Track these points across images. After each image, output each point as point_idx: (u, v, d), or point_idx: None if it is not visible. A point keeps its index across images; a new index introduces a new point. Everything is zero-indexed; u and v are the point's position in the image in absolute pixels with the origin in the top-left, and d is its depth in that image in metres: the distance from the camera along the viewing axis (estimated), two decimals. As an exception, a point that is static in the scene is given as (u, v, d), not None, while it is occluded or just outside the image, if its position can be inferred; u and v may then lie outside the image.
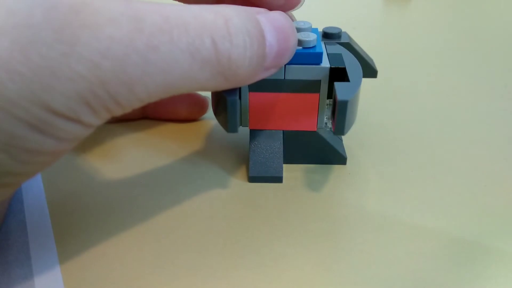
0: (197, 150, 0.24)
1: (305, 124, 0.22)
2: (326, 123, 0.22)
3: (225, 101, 0.18)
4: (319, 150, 0.23)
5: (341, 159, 0.23)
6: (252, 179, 0.22)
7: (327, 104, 0.22)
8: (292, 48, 0.18)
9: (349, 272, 0.17)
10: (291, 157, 0.23)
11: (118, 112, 0.15)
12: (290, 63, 0.20)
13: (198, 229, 0.19)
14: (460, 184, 0.22)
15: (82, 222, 0.19)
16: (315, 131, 0.22)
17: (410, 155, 0.24)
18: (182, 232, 0.19)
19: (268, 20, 0.17)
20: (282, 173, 0.22)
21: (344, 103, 0.18)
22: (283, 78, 0.21)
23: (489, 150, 0.24)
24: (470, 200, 0.21)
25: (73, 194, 0.21)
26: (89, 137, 0.24)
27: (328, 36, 0.23)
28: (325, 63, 0.21)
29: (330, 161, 0.23)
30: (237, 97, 0.18)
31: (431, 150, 0.24)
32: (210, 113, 0.27)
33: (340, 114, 0.18)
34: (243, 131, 0.24)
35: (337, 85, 0.19)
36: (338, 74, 0.21)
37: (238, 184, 0.22)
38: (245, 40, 0.16)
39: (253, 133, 0.22)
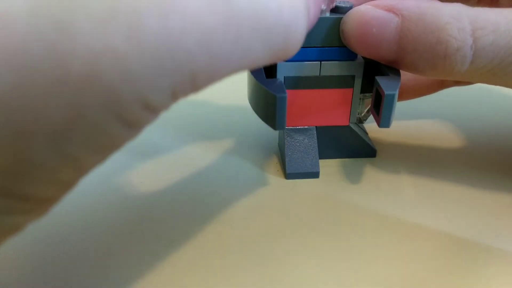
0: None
1: (338, 119, 0.22)
2: (359, 118, 0.23)
3: (272, 99, 0.18)
4: (351, 144, 0.23)
5: (371, 152, 0.23)
6: (289, 175, 0.22)
7: (360, 98, 0.22)
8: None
9: (349, 272, 0.17)
10: (323, 152, 0.23)
11: (187, 96, 0.14)
12: (326, 59, 0.21)
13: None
14: (460, 183, 0.22)
15: (84, 221, 0.19)
16: (347, 126, 0.22)
17: (418, 150, 0.24)
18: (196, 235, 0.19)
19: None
20: (318, 169, 0.22)
21: (391, 97, 0.18)
22: (318, 74, 0.21)
23: (490, 149, 0.24)
24: (470, 200, 0.21)
25: (73, 192, 0.21)
26: None
27: None
28: (359, 58, 0.21)
29: (361, 155, 0.23)
30: (286, 94, 0.18)
31: (431, 149, 0.24)
32: (218, 110, 0.27)
33: (387, 107, 0.18)
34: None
35: (379, 79, 0.19)
36: (371, 67, 0.21)
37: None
38: (304, 23, 0.15)
39: (287, 130, 0.22)
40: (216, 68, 0.14)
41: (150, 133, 0.26)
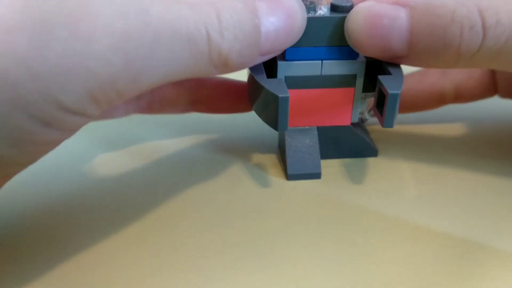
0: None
1: (339, 119, 0.22)
2: (361, 118, 0.22)
3: (274, 99, 0.18)
4: (352, 144, 0.23)
5: (372, 152, 0.23)
6: (291, 177, 0.21)
7: (361, 98, 0.22)
8: (295, 35, 0.18)
9: (351, 273, 0.17)
10: (324, 153, 0.23)
11: (117, 103, 0.15)
12: (327, 58, 0.20)
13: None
14: (462, 183, 0.21)
15: (83, 222, 0.19)
16: (348, 125, 0.22)
17: (410, 153, 0.24)
18: (187, 231, 0.19)
19: (269, 7, 0.17)
20: (320, 169, 0.22)
21: (395, 96, 0.18)
22: (319, 74, 0.21)
23: (493, 150, 0.24)
24: (473, 200, 0.20)
25: (73, 193, 0.21)
26: (113, 131, 0.24)
27: None
28: (361, 57, 0.21)
29: (362, 154, 0.23)
30: (288, 94, 0.18)
31: (433, 149, 0.24)
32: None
33: (391, 107, 0.18)
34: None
35: (382, 78, 0.19)
36: (373, 66, 0.21)
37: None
38: (235, 35, 0.16)
39: (288, 131, 0.22)
40: (138, 71, 0.15)
41: (150, 133, 0.25)
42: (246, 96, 0.23)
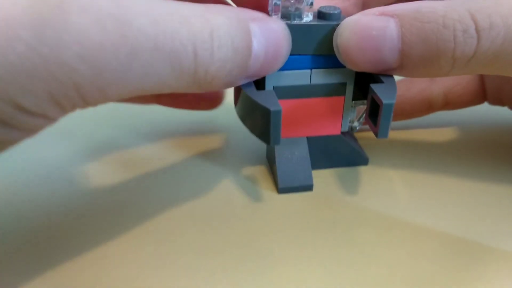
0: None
1: (329, 128, 0.21)
2: (351, 127, 0.22)
3: (266, 113, 0.17)
4: (343, 153, 0.22)
5: (363, 160, 0.23)
6: (282, 190, 0.21)
7: (352, 106, 0.21)
8: (281, 60, 0.18)
9: (350, 273, 0.17)
10: (314, 163, 0.22)
11: (85, 107, 0.15)
12: (316, 67, 0.20)
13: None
14: (455, 186, 0.21)
15: (83, 223, 0.19)
16: (338, 135, 0.22)
17: (400, 159, 0.24)
18: (192, 237, 0.18)
19: (261, 29, 0.17)
20: (312, 181, 0.21)
21: (390, 106, 0.17)
22: (309, 83, 0.20)
23: (490, 150, 0.24)
24: (471, 200, 0.20)
25: (72, 194, 0.21)
26: (96, 137, 0.24)
27: None
28: (351, 65, 0.20)
29: (353, 163, 0.23)
30: (280, 108, 0.17)
31: (431, 149, 0.24)
32: (206, 115, 0.26)
33: (386, 117, 0.18)
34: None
35: (375, 87, 0.18)
36: (363, 74, 0.20)
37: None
38: (227, 54, 0.16)
39: (277, 142, 0.21)
40: (107, 82, 0.14)
41: (137, 144, 0.25)
42: (212, 95, 0.23)
